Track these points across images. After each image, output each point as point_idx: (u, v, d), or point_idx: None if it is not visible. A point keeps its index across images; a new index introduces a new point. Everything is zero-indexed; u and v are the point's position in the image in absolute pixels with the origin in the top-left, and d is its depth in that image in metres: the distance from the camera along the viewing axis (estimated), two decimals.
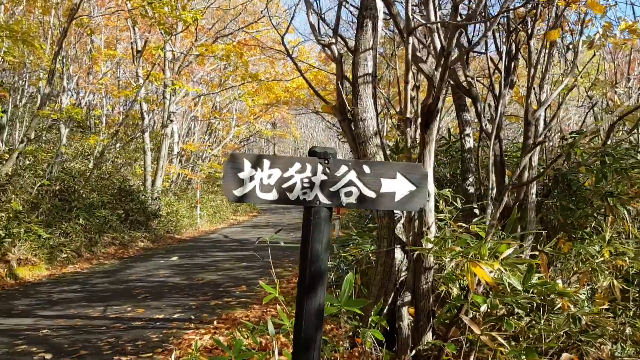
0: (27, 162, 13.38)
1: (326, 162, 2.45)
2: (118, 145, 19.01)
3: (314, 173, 2.44)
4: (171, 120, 18.86)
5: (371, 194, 2.48)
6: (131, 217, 15.13)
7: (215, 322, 5.64)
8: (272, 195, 2.44)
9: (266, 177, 2.43)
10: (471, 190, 5.70)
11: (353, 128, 4.58)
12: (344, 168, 2.47)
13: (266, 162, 2.43)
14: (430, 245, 3.75)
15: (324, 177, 2.45)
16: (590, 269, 4.07)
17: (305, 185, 2.44)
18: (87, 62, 18.69)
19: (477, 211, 5.37)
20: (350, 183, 2.47)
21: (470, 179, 5.72)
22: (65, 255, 10.78)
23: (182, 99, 20.43)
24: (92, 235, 12.33)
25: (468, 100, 6.01)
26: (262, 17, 17.11)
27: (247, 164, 2.43)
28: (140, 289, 7.87)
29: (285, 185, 2.44)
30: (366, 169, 2.48)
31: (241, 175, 2.42)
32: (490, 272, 3.42)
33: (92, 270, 9.84)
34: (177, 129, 22.04)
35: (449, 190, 4.54)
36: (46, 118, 15.45)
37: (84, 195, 13.41)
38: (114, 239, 13.62)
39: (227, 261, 10.85)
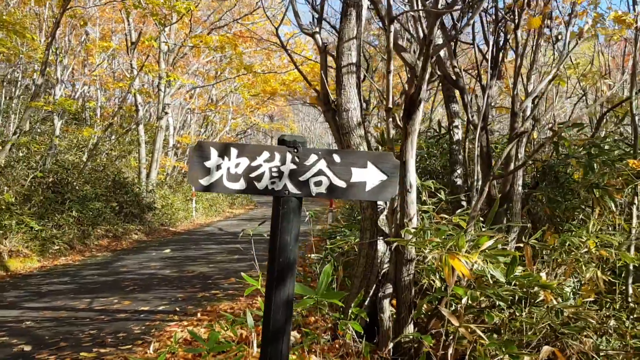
0: (20, 154, 13.32)
1: (295, 150, 2.41)
2: (113, 137, 18.94)
3: (283, 162, 2.40)
4: (166, 113, 18.78)
5: (341, 183, 2.44)
6: (125, 209, 15.08)
7: (199, 315, 5.61)
8: (240, 184, 2.39)
9: (233, 166, 2.38)
10: (459, 182, 5.65)
11: (337, 119, 4.53)
12: (313, 157, 2.42)
13: (233, 151, 2.39)
14: (410, 237, 3.71)
15: (293, 166, 2.41)
16: (574, 261, 4.03)
17: (274, 174, 2.39)
18: (82, 53, 18.58)
19: (464, 203, 5.33)
20: (320, 172, 2.42)
21: (458, 171, 5.67)
22: (58, 247, 10.74)
23: (177, 91, 20.34)
24: (85, 228, 12.29)
25: (457, 92, 5.96)
26: (257, 8, 17.00)
27: (213, 153, 2.38)
28: (129, 281, 7.84)
29: (253, 175, 2.39)
30: (336, 158, 2.43)
31: (208, 164, 2.37)
32: (472, 264, 3.38)
33: (83, 263, 9.80)
34: (173, 122, 21.98)
35: (432, 182, 4.50)
36: (40, 110, 15.38)
37: (77, 188, 13.36)
38: (108, 231, 13.57)
39: (219, 254, 10.81)
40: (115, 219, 14.15)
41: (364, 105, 5.81)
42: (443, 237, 3.41)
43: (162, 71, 17.81)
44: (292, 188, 2.40)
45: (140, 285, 7.56)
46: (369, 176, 2.45)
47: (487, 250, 3.44)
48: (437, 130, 7.06)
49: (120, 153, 19.22)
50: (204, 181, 2.37)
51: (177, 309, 6.01)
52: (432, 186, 4.45)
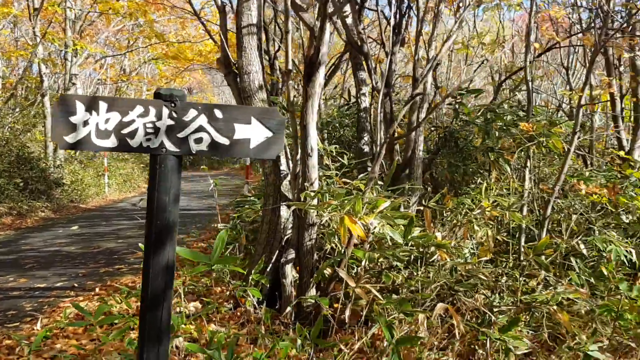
0: None
1: (173, 105, 2.26)
2: (17, 110, 17.64)
3: (159, 117, 2.24)
4: (73, 84, 17.69)
5: (224, 140, 2.32)
6: (31, 185, 14.17)
7: (97, 289, 5.34)
8: (111, 142, 2.22)
9: (103, 122, 2.20)
10: (366, 149, 5.68)
11: (238, 82, 4.38)
12: (193, 112, 2.28)
13: (103, 105, 2.20)
14: (310, 200, 3.68)
15: (171, 122, 2.26)
16: (468, 222, 4.16)
17: (149, 130, 2.24)
18: None
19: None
20: (200, 129, 2.29)
21: (365, 138, 5.70)
22: None
23: (85, 60, 19.20)
24: None
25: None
26: None
27: (80, 107, 2.18)
28: (30, 259, 7.37)
29: (125, 131, 2.22)
30: (218, 113, 2.31)
31: (73, 119, 2.18)
32: (369, 225, 3.39)
33: None
34: (82, 93, 20.77)
35: (335, 147, 4.48)
36: None
37: None
38: (11, 208, 12.72)
39: (130, 229, 10.41)
40: (19, 195, 13.27)
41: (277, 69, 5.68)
42: (341, 199, 3.40)
43: (69, 39, 16.70)
44: (169, 145, 2.25)
45: (41, 262, 7.12)
46: (254, 133, 2.36)
47: (384, 212, 3.47)
48: (348, 99, 7.06)
49: (24, 127, 17.94)
50: (69, 138, 2.18)
51: (76, 284, 5.70)
52: (334, 151, 4.43)
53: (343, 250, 3.66)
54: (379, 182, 4.29)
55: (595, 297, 5.04)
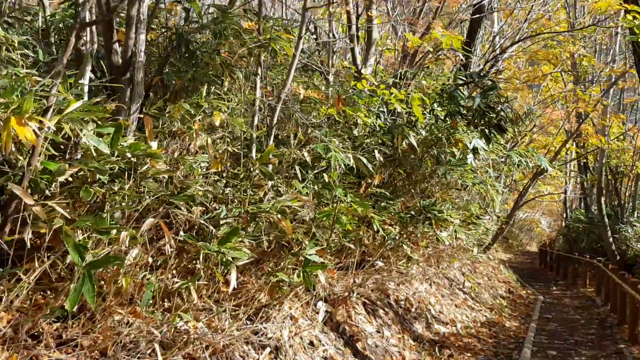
0: None
1: None
2: None
3: None
4: None
5: None
6: None
7: None
8: None
9: None
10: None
11: None
12: None
13: None
14: None
15: None
16: (187, 129, 3.81)
17: None
18: None
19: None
20: None
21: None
22: None
23: None
24: None
25: None
26: None
27: None
28: None
29: None
30: None
31: None
32: (46, 127, 2.78)
33: None
34: None
35: (26, 38, 3.63)
36: None
37: None
38: None
39: None
40: None
41: None
42: (9, 96, 2.69)
43: None
44: None
45: None
46: None
47: (74, 114, 2.87)
48: None
49: None
50: None
51: None
52: (16, 41, 3.58)
53: (25, 162, 2.99)
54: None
55: (322, 204, 5.27)
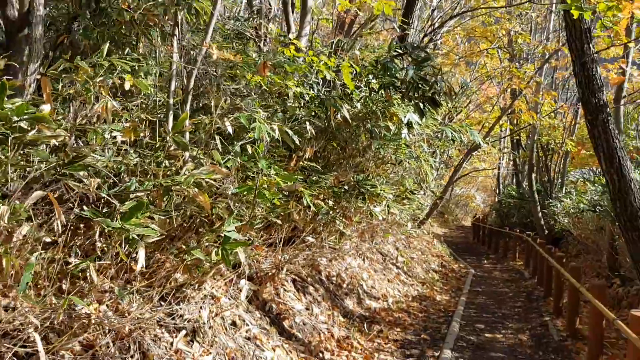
0: None
1: None
2: None
3: None
4: None
5: None
6: None
7: None
8: None
9: None
10: None
11: None
12: None
13: None
14: None
15: None
16: (85, 91, 3.42)
17: None
18: None
19: None
20: None
21: None
22: None
23: None
24: None
25: None
26: None
27: None
28: None
29: None
30: None
31: None
32: None
33: None
34: None
35: None
36: None
37: None
38: None
39: None
40: None
41: None
42: None
43: None
44: None
45: None
46: None
47: None
48: None
49: None
50: None
51: None
52: None
53: None
54: None
55: (249, 178, 4.98)
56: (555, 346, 6.32)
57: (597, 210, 10.08)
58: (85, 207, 3.46)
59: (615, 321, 4.49)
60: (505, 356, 5.94)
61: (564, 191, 15.85)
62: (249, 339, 4.62)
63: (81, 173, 3.20)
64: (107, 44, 3.54)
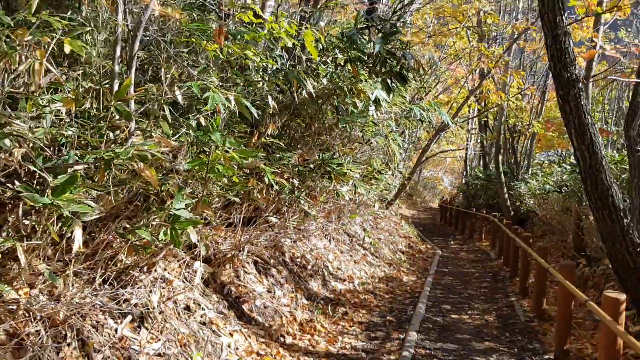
0: None
1: None
2: None
3: None
4: None
5: None
6: None
7: None
8: None
9: None
10: None
11: None
12: None
13: None
14: None
15: None
16: (8, 50, 3.04)
17: None
18: None
19: None
20: None
21: None
22: None
23: None
24: None
25: None
26: None
27: None
28: None
29: None
30: None
31: None
32: None
33: None
34: None
35: None
36: None
37: None
38: None
39: None
40: None
41: None
42: None
43: None
44: None
45: None
46: None
47: None
48: None
49: None
50: None
51: None
52: None
53: None
54: None
55: (204, 153, 4.66)
56: (521, 327, 6.24)
57: (563, 191, 10.07)
58: (16, 182, 3.13)
59: (588, 302, 4.37)
60: (472, 337, 5.82)
61: (530, 173, 15.93)
62: (204, 323, 4.36)
63: (7, 143, 2.85)
64: (36, 2, 3.14)
